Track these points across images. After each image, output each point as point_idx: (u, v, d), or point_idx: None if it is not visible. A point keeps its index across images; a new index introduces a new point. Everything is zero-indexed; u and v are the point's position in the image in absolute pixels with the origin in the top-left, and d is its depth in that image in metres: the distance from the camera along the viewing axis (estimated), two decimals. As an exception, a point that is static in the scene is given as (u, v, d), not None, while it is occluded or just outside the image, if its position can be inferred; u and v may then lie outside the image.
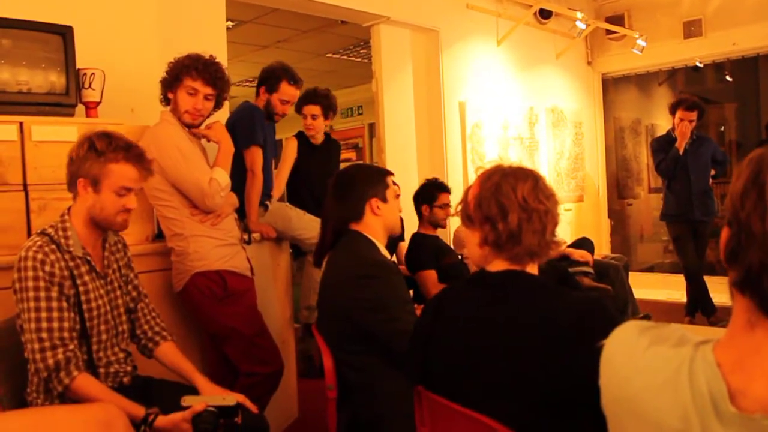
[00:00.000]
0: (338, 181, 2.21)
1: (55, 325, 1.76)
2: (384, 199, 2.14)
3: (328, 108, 3.92)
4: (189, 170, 2.45)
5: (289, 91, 3.33)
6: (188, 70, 2.49)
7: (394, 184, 2.22)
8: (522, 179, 1.39)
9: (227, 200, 2.60)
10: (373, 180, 2.16)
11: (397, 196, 2.23)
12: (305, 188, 3.87)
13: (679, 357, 0.82)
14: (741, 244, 0.79)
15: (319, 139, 3.96)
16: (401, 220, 2.61)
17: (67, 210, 1.92)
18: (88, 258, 1.90)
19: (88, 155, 1.85)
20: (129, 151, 1.89)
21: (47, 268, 1.77)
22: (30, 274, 1.75)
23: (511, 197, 1.36)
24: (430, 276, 3.74)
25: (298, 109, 3.87)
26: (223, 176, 2.49)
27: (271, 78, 3.34)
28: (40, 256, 1.77)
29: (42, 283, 1.76)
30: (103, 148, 1.86)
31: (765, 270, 0.76)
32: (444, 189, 3.95)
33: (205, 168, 2.50)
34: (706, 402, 0.77)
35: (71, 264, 1.84)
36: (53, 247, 1.81)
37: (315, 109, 3.86)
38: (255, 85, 3.44)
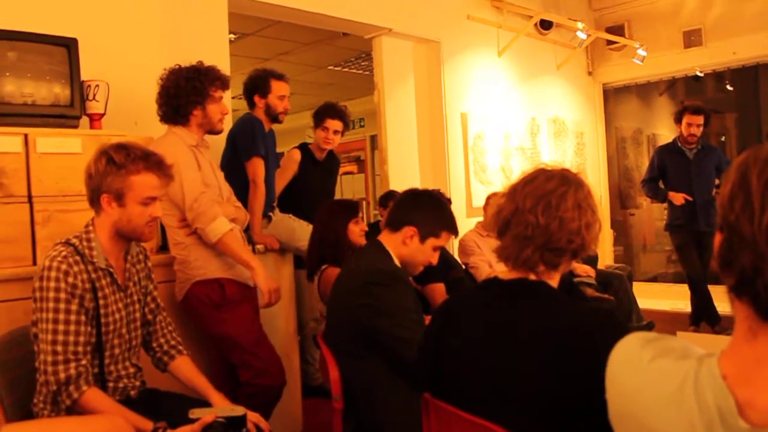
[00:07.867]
0: (417, 192, 2.22)
1: (71, 338, 1.74)
2: (422, 239, 2.07)
3: (347, 126, 3.94)
4: (178, 181, 2.39)
5: (281, 86, 3.39)
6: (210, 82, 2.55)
7: (447, 240, 2.12)
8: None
9: (233, 213, 2.60)
10: (430, 218, 2.08)
11: (436, 249, 2.11)
12: (302, 202, 3.75)
13: (684, 370, 0.80)
14: (733, 249, 0.78)
15: (323, 154, 3.92)
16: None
17: (91, 221, 1.90)
18: (111, 270, 1.88)
19: (108, 169, 1.82)
20: (148, 160, 1.86)
21: (70, 279, 1.75)
22: (52, 285, 1.74)
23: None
24: (438, 288, 3.74)
25: (320, 122, 3.82)
26: (219, 222, 2.42)
27: (259, 83, 3.40)
28: (64, 266, 1.75)
29: (63, 295, 1.74)
30: (122, 160, 1.82)
31: (758, 273, 0.74)
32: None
33: (197, 183, 2.45)
34: (714, 417, 0.75)
35: (93, 276, 1.82)
36: (77, 258, 1.80)
37: (339, 125, 3.83)
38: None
